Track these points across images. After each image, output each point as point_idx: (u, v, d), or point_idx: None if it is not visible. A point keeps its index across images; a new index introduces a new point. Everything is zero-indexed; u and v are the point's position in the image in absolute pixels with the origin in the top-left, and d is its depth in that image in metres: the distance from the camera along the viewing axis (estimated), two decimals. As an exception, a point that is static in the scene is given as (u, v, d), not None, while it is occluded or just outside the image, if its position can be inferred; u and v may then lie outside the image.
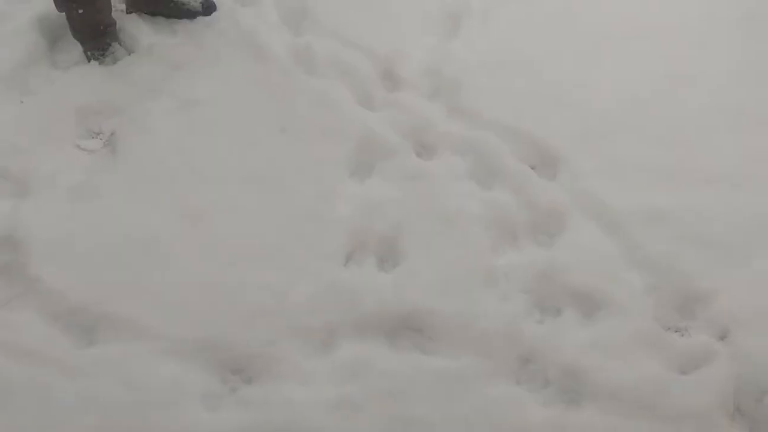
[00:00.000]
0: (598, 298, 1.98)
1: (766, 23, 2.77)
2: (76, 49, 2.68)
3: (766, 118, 2.43)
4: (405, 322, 1.98)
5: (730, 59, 2.65)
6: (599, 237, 2.13)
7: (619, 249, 2.09)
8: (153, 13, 2.86)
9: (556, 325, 1.95)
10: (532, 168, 2.33)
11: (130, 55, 2.70)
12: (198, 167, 2.35)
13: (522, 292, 2.03)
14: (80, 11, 2.57)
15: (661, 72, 2.61)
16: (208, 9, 2.87)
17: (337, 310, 1.99)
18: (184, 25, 2.85)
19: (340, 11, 2.90)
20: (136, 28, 2.80)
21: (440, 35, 2.79)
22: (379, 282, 2.06)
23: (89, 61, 2.65)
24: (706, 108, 2.47)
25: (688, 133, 2.38)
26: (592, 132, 2.39)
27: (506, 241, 2.17)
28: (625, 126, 2.41)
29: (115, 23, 2.71)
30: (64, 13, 2.61)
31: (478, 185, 2.30)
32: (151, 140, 2.41)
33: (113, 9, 2.73)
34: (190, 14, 2.85)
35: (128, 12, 2.87)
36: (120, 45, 2.70)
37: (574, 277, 2.03)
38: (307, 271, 2.07)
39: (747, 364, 1.82)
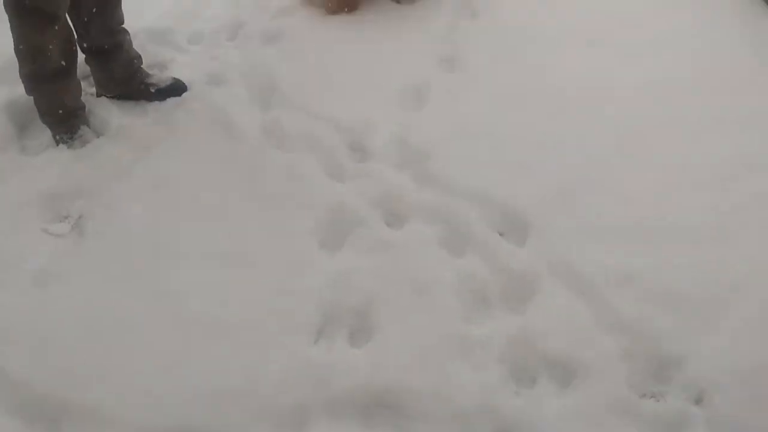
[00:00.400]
0: (572, 365, 1.95)
1: (727, 78, 2.84)
2: (44, 134, 2.69)
3: (730, 174, 2.45)
4: (379, 399, 1.93)
5: (693, 116, 2.70)
6: (572, 301, 2.11)
7: (592, 312, 2.07)
8: (123, 96, 2.89)
9: (532, 396, 1.91)
10: (501, 234, 2.33)
11: (99, 137, 2.71)
12: (167, 247, 2.33)
13: (497, 361, 2.00)
14: (49, 95, 2.59)
15: (626, 132, 2.65)
16: (179, 89, 2.90)
17: (309, 389, 1.94)
18: (154, 105, 2.88)
19: (309, 86, 2.96)
20: (106, 111, 2.83)
21: (407, 107, 2.83)
22: (351, 358, 2.02)
23: (58, 145, 2.66)
24: (671, 165, 2.50)
25: (654, 191, 2.40)
26: (560, 195, 2.40)
27: (479, 310, 2.14)
28: (592, 187, 2.43)
29: (84, 107, 2.73)
30: (32, 98, 2.63)
31: (448, 253, 2.29)
32: (119, 222, 2.40)
33: (83, 93, 2.76)
34: (161, 95, 2.88)
35: (98, 95, 2.90)
36: (89, 128, 2.71)
37: (549, 344, 2.00)
38: (277, 348, 2.03)
39: (723, 428, 1.78)
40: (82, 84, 2.77)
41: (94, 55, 2.83)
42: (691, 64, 2.91)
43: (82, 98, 2.74)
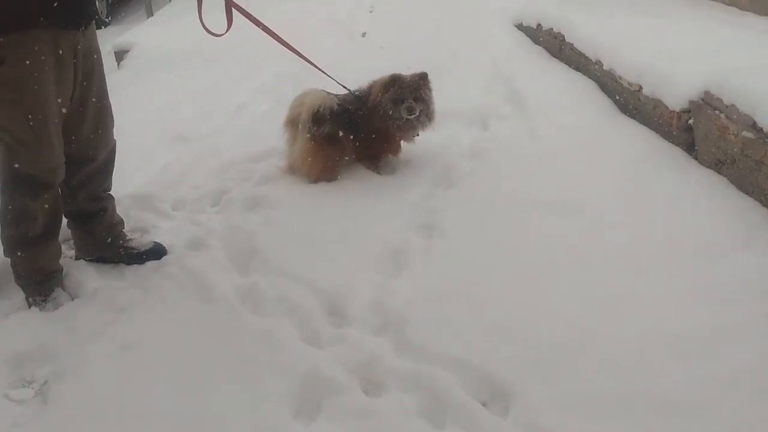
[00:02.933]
0: None
1: (699, 248, 2.89)
2: (17, 295, 2.66)
3: (709, 342, 2.43)
4: None
5: (667, 284, 2.72)
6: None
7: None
8: (102, 259, 2.89)
9: None
10: (484, 404, 2.25)
11: (73, 300, 2.68)
12: (135, 412, 2.24)
13: None
14: (28, 258, 2.58)
15: (603, 298, 2.64)
16: (158, 253, 2.91)
17: None
18: (133, 269, 2.88)
19: (288, 251, 2.99)
20: (83, 273, 2.82)
21: (385, 272, 2.86)
22: None
23: (30, 307, 2.62)
24: (651, 333, 2.47)
25: (634, 359, 2.36)
26: (540, 362, 2.36)
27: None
28: (572, 355, 2.38)
29: (61, 269, 2.72)
30: (9, 260, 2.62)
31: (429, 424, 2.20)
32: (86, 387, 2.32)
33: (62, 255, 2.76)
34: (140, 258, 2.89)
35: (77, 258, 2.90)
36: (64, 290, 2.69)
37: None
38: None
39: None
40: (62, 246, 2.77)
41: (77, 220, 2.87)
42: (663, 232, 2.98)
43: (60, 261, 2.73)
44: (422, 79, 3.60)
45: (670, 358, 2.36)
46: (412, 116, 3.52)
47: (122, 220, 3.00)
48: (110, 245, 2.91)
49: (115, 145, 2.91)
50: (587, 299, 2.65)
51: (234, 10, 3.07)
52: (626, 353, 2.39)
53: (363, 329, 2.57)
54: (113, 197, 2.95)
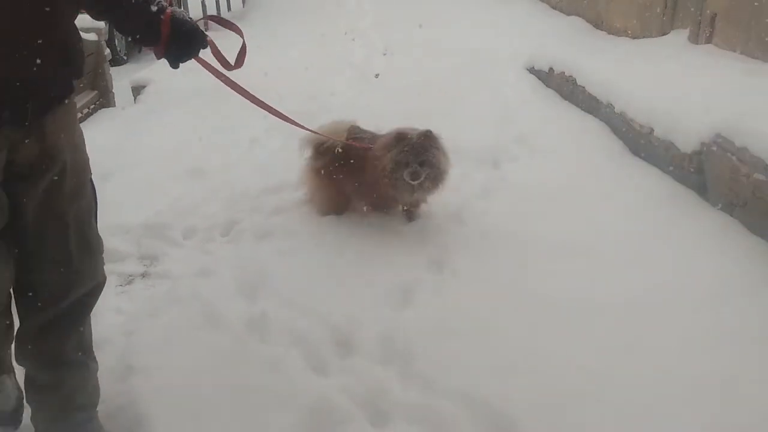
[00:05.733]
0: None
1: (709, 294, 2.86)
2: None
3: (722, 389, 2.37)
4: None
5: (678, 330, 2.67)
6: None
7: None
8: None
9: None
10: (490, 439, 2.21)
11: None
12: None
13: None
14: None
15: (613, 343, 2.59)
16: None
17: None
18: (140, 290, 2.85)
19: (298, 281, 2.99)
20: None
21: (394, 305, 2.84)
22: None
23: None
24: (662, 380, 2.41)
25: (645, 407, 2.30)
26: (548, 404, 2.30)
27: None
28: (581, 399, 2.32)
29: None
30: None
31: (434, 457, 2.17)
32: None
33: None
34: None
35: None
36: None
37: None
38: None
39: None
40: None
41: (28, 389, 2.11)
42: (674, 275, 2.96)
43: None
44: (429, 138, 3.26)
45: (682, 406, 2.29)
46: (416, 182, 3.24)
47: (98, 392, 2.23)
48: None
49: (102, 284, 2.14)
50: (597, 343, 2.59)
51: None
52: (636, 400, 2.32)
53: (370, 360, 2.54)
54: (96, 364, 2.20)
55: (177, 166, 4.39)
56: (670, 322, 2.68)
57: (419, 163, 3.22)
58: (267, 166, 4.38)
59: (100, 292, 2.12)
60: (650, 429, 2.21)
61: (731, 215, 3.30)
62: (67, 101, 1.87)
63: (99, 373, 2.39)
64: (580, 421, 2.24)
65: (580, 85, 5.28)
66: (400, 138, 3.26)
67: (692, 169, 3.62)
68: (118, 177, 4.11)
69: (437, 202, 3.60)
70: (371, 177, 3.32)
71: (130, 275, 3.18)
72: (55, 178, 1.85)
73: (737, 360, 2.47)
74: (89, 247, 2.02)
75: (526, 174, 4.13)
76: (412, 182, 3.22)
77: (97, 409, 2.24)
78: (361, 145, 3.38)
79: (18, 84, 1.66)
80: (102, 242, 2.09)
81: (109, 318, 2.73)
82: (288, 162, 3.84)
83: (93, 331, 2.65)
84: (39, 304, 1.96)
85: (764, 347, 2.49)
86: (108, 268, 3.17)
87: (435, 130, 3.31)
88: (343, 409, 2.31)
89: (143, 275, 3.18)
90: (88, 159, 2.00)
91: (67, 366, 2.07)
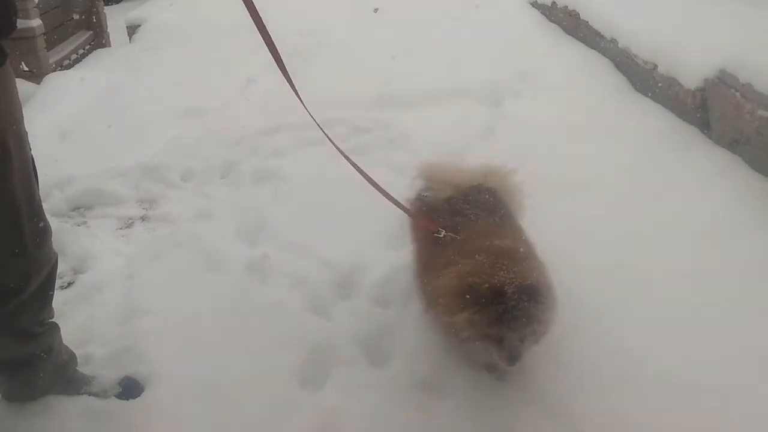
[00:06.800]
0: None
1: (709, 229, 2.84)
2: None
3: (722, 322, 2.38)
4: None
5: (678, 265, 2.66)
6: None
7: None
8: None
9: None
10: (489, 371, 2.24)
11: None
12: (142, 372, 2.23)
13: None
14: None
15: (615, 279, 2.58)
16: (132, 391, 2.20)
17: None
18: (138, 232, 2.84)
19: (297, 223, 2.98)
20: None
21: (394, 246, 2.83)
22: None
23: None
24: (662, 313, 2.41)
25: (645, 338, 2.30)
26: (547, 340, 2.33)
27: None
28: (581, 332, 2.33)
29: None
30: None
31: (435, 394, 2.19)
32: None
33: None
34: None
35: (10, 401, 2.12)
36: None
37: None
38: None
39: None
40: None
41: (2, 370, 2.05)
42: (676, 212, 2.96)
43: None
44: (533, 297, 1.98)
45: (683, 338, 2.32)
46: (514, 365, 2.03)
47: (74, 355, 2.19)
48: (61, 389, 2.12)
49: (56, 261, 1.99)
50: (598, 278, 2.62)
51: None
52: (637, 332, 2.36)
53: (371, 302, 2.56)
54: (57, 326, 2.09)
55: (173, 106, 4.33)
56: (672, 257, 2.69)
57: (520, 338, 2.02)
58: (264, 105, 4.32)
59: (56, 270, 1.99)
60: (651, 360, 2.23)
61: (734, 152, 3.27)
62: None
63: (102, 315, 2.42)
64: (579, 353, 2.26)
65: (583, 20, 5.16)
66: (491, 293, 1.96)
67: (695, 106, 3.56)
68: (114, 118, 4.06)
69: (437, 142, 3.57)
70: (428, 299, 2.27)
71: (130, 218, 3.17)
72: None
73: (737, 294, 2.49)
74: (44, 231, 1.89)
75: (529, 111, 4.08)
76: (508, 366, 2.05)
77: (101, 351, 2.28)
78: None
79: None
80: (49, 223, 1.93)
81: (110, 261, 2.74)
82: (285, 102, 3.77)
83: (94, 273, 2.68)
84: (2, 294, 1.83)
85: (765, 282, 2.50)
86: (107, 211, 3.23)
87: (538, 279, 2.05)
88: (344, 349, 2.34)
89: (143, 218, 3.17)
90: (27, 133, 1.79)
91: (42, 333, 2.00)
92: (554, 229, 2.85)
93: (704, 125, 3.53)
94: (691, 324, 2.38)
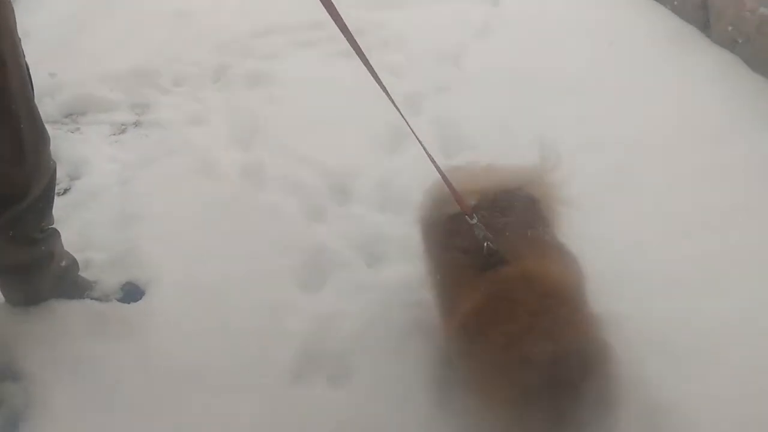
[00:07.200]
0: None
1: (707, 131, 2.83)
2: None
3: (718, 222, 2.40)
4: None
5: (676, 166, 2.65)
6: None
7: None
8: None
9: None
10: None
11: None
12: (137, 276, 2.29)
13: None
14: None
15: (609, 179, 2.59)
16: (134, 295, 2.26)
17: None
18: (130, 139, 2.82)
19: (292, 129, 2.96)
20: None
21: (389, 150, 2.83)
22: (330, 402, 1.95)
23: None
24: (659, 213, 2.43)
25: (642, 239, 2.34)
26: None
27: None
28: (581, 238, 2.38)
29: None
30: None
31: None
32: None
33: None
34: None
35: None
36: None
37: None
38: (252, 391, 1.96)
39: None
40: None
41: (4, 276, 2.09)
42: (673, 113, 2.95)
43: None
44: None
45: (677, 235, 2.36)
46: None
47: (75, 260, 2.23)
48: (63, 294, 2.17)
49: (55, 169, 1.99)
50: (591, 179, 2.61)
51: None
52: (633, 234, 2.38)
53: (367, 207, 2.58)
54: (58, 232, 2.11)
55: (160, 8, 4.19)
56: (669, 158, 2.71)
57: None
58: (255, 5, 4.18)
59: (56, 178, 2.00)
60: (644, 257, 2.28)
61: (733, 52, 3.22)
62: None
63: (99, 221, 2.44)
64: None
65: None
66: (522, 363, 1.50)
67: (695, 5, 3.48)
68: (98, 22, 3.93)
69: (432, 39, 3.50)
70: None
71: (123, 124, 3.13)
72: None
73: (733, 195, 2.52)
74: (43, 139, 1.89)
75: (526, 9, 3.96)
76: None
77: (101, 256, 2.32)
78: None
79: None
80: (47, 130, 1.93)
81: (105, 167, 2.74)
82: (276, 2, 3.69)
83: (89, 179, 2.68)
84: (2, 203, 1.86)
85: (762, 182, 2.54)
86: (100, 117, 3.19)
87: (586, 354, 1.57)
88: (340, 253, 2.38)
89: (135, 124, 3.13)
90: (20, 40, 1.76)
91: (43, 240, 2.03)
92: (549, 130, 2.85)
93: (704, 25, 3.46)
94: (685, 222, 2.41)
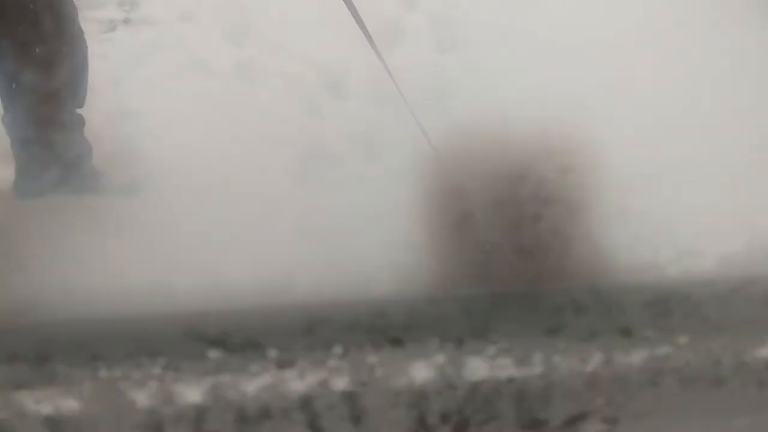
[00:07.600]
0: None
1: (704, 24, 2.79)
2: None
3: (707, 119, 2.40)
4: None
5: (676, 61, 2.64)
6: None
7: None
8: None
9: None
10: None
11: None
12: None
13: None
14: None
15: (610, 75, 2.55)
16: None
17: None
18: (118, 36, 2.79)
19: (284, 23, 2.90)
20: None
21: (390, 44, 2.76)
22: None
23: None
24: (659, 109, 2.43)
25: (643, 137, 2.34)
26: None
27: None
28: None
29: None
30: None
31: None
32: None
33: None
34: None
35: None
36: None
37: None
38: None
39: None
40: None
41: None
42: (663, 10, 2.88)
43: None
44: None
45: (668, 134, 2.33)
46: None
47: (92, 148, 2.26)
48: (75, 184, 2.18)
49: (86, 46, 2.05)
50: (596, 75, 2.57)
51: None
52: (633, 133, 2.33)
53: (364, 102, 2.54)
54: (83, 118, 2.17)
55: None
56: (668, 53, 2.66)
57: None
58: None
59: (87, 56, 2.03)
60: (657, 160, 2.25)
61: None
62: None
63: (93, 119, 2.42)
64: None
65: None
66: None
67: None
68: None
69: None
70: None
71: (112, 21, 3.07)
72: None
73: (717, 93, 2.47)
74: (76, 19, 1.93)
75: None
76: None
77: (96, 153, 2.32)
78: None
79: None
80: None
81: (96, 65, 2.67)
82: None
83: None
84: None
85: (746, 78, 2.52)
86: (88, 15, 3.10)
87: None
88: (338, 148, 2.36)
89: (125, 21, 3.08)
90: None
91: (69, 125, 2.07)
92: (549, 20, 2.80)
93: None
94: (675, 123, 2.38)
